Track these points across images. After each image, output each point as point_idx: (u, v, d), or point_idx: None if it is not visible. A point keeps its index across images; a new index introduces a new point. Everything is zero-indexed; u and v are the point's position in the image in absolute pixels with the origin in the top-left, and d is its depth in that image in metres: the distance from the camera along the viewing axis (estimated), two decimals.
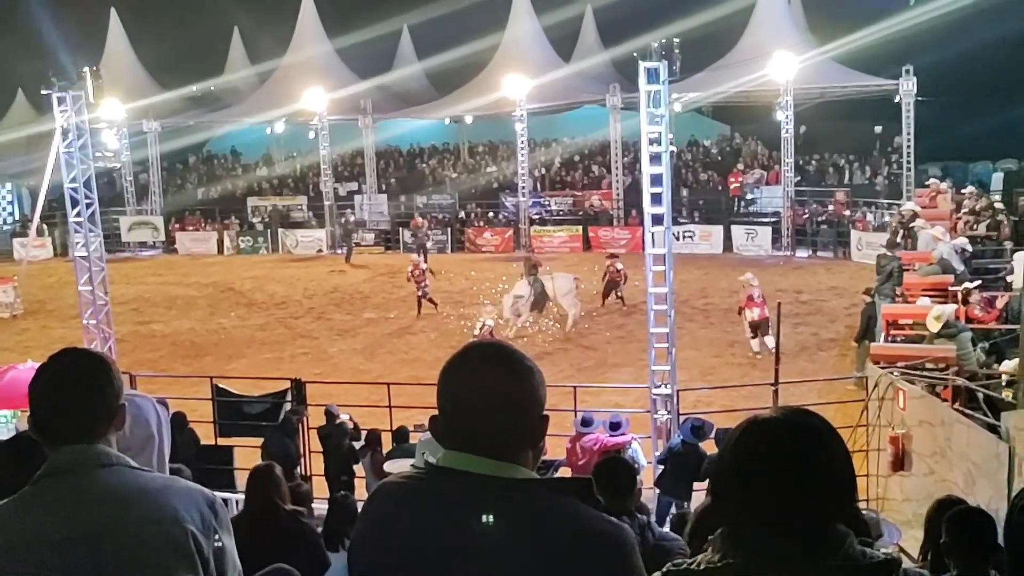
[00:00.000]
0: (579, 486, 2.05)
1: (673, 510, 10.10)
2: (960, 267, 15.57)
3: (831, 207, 31.35)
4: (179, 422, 11.70)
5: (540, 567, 1.93)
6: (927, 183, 24.87)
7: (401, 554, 2.01)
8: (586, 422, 11.26)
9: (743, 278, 19.68)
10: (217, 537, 2.36)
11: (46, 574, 2.21)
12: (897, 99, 30.26)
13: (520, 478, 2.01)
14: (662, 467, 10.95)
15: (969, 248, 17.05)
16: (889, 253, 18.71)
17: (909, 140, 30.43)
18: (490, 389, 2.02)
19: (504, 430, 2.01)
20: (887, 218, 28.59)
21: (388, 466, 10.46)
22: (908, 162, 30.58)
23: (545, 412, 2.10)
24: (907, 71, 29.80)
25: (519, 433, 2.04)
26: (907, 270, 16.40)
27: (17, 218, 39.99)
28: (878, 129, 35.14)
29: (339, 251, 33.95)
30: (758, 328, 18.60)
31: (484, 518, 1.94)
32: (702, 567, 1.90)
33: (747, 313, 18.92)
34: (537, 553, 1.92)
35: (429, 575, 1.98)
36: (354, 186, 38.90)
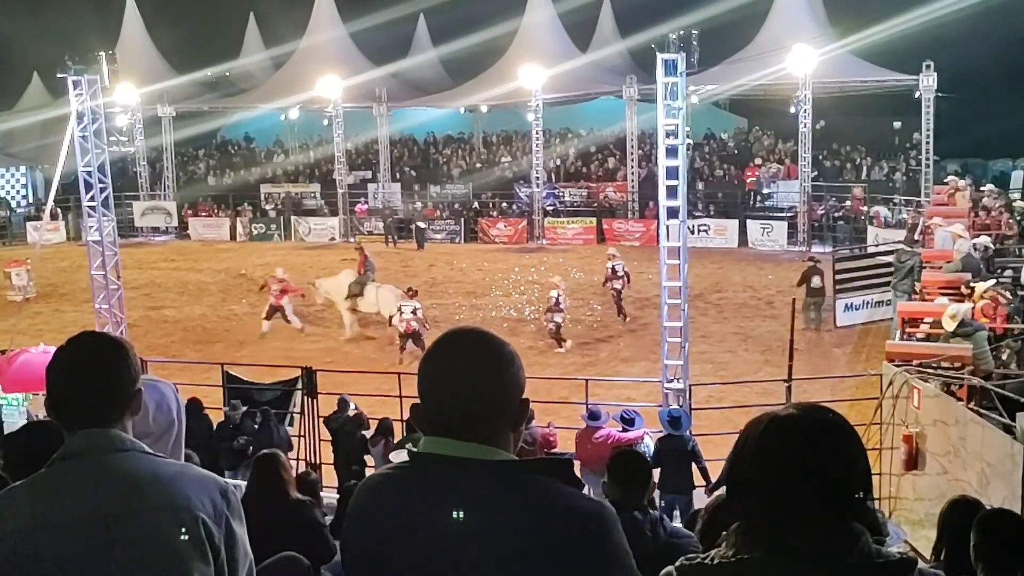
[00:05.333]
0: (558, 466, 2.06)
1: (677, 513, 10.10)
2: (981, 266, 15.46)
3: (848, 203, 31.19)
4: (195, 408, 11.71)
5: (522, 547, 1.94)
6: (945, 180, 24.67)
7: (387, 545, 2.04)
8: (594, 415, 11.24)
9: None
10: (228, 524, 2.35)
11: (57, 556, 2.20)
12: (917, 95, 30.06)
13: (498, 460, 2.03)
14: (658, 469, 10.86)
15: (991, 247, 16.91)
16: (908, 249, 18.60)
17: (928, 136, 30.22)
18: (465, 374, 2.05)
19: (481, 414, 2.04)
20: (904, 215, 28.43)
21: (392, 456, 10.46)
22: (927, 159, 30.40)
23: (525, 396, 2.12)
24: (927, 66, 29.58)
25: (497, 417, 2.06)
26: (925, 267, 16.31)
27: (31, 201, 40.19)
28: (897, 125, 34.97)
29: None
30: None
31: (455, 513, 1.96)
32: (715, 562, 1.89)
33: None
34: (518, 533, 1.94)
35: (415, 562, 2.01)
36: (368, 174, 38.95)
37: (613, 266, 21.59)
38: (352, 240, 34.88)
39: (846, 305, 20.59)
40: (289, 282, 21.56)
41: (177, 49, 40.23)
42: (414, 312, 19.15)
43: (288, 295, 21.27)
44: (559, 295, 19.71)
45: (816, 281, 20.72)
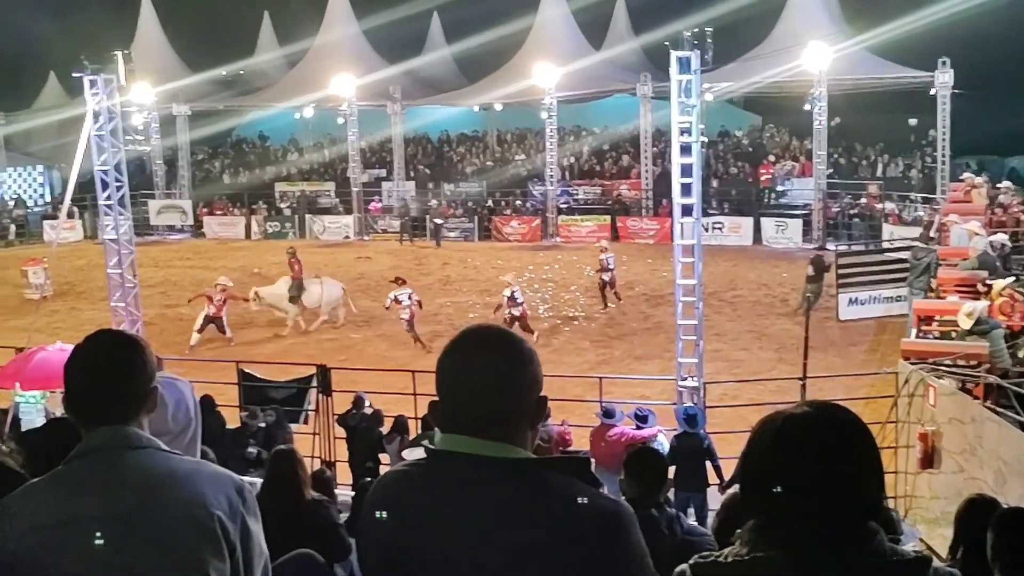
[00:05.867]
0: (576, 465, 2.06)
1: (692, 511, 10.09)
2: (998, 263, 15.37)
3: (863, 200, 31.04)
4: (208, 406, 11.74)
5: (540, 545, 1.94)
6: (962, 177, 24.58)
7: (404, 541, 2.04)
8: (608, 413, 11.23)
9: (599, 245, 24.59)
10: (244, 522, 2.36)
11: (74, 553, 2.21)
12: (933, 91, 29.89)
13: (516, 458, 2.03)
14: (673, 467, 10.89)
15: (1008, 244, 16.82)
16: (924, 246, 18.55)
17: (944, 133, 30.08)
18: (485, 372, 2.05)
19: (499, 412, 2.04)
20: (920, 212, 28.31)
21: (406, 454, 10.48)
22: (943, 156, 30.24)
23: (543, 394, 2.12)
24: (943, 63, 29.43)
25: (516, 415, 2.07)
26: (941, 264, 16.25)
27: (48, 200, 40.40)
28: (913, 122, 34.76)
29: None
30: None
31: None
32: (729, 560, 1.90)
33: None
34: (536, 532, 1.94)
35: (432, 559, 2.01)
36: (382, 172, 39.01)
37: (605, 258, 22.89)
38: (366, 238, 35.04)
39: (850, 299, 20.88)
40: (232, 290, 21.34)
41: (192, 47, 40.34)
42: (410, 297, 19.96)
43: (228, 304, 21.03)
44: (513, 292, 20.17)
45: (810, 269, 21.95)
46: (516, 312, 20.02)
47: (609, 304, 22.87)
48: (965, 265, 15.29)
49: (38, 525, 2.23)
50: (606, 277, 22.91)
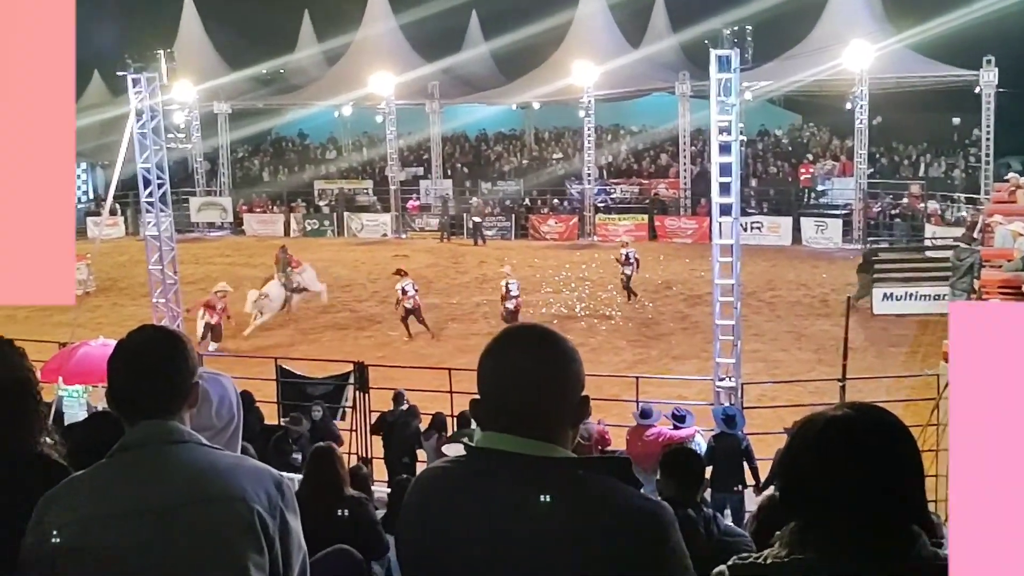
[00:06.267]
0: (616, 465, 2.05)
1: (728, 512, 10.04)
2: None
3: (905, 200, 30.66)
4: (247, 402, 11.84)
5: (580, 545, 1.93)
6: (1006, 177, 24.20)
7: (444, 538, 2.04)
8: (645, 413, 11.21)
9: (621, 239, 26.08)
10: (283, 517, 2.37)
11: (116, 546, 2.23)
12: (977, 90, 29.49)
13: (557, 457, 2.02)
14: (710, 467, 10.83)
15: None
16: (966, 247, 18.32)
17: (988, 132, 29.66)
18: (527, 370, 2.03)
19: (542, 410, 2.03)
20: (964, 212, 27.94)
21: (445, 449, 10.53)
22: (987, 155, 29.82)
23: (585, 393, 2.10)
24: (988, 61, 29.01)
25: (558, 414, 2.05)
26: (984, 266, 16.02)
27: (91, 197, 40.97)
28: (956, 121, 34.28)
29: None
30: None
31: (543, 497, 1.95)
32: (768, 561, 1.88)
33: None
34: (575, 531, 1.93)
35: (471, 557, 2.00)
36: (419, 171, 39.16)
37: (626, 253, 23.58)
38: (403, 236, 35.19)
39: (884, 294, 21.02)
40: (228, 299, 21.03)
41: (233, 45, 40.69)
42: (414, 287, 20.66)
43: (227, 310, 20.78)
44: (508, 284, 20.49)
45: (861, 259, 22.88)
46: (510, 305, 20.30)
47: (636, 300, 23.07)
48: (1009, 267, 15.05)
49: (81, 518, 2.26)
50: (627, 271, 23.27)
